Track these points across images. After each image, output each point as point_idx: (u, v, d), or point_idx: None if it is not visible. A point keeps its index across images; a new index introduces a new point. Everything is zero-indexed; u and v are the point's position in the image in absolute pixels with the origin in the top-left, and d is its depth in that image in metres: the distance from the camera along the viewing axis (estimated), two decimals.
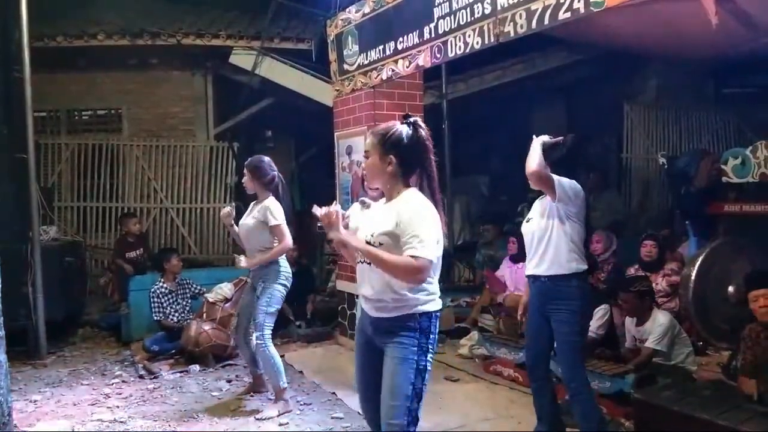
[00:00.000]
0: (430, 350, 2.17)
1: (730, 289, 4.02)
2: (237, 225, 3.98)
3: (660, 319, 3.86)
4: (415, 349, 2.13)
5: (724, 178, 3.99)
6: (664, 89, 7.42)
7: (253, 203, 3.97)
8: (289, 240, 3.78)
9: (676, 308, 4.48)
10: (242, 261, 3.85)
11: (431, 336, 2.17)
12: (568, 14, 3.10)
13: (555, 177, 2.84)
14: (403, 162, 2.19)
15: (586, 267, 2.99)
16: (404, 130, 2.20)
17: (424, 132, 2.21)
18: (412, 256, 2.03)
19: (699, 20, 4.13)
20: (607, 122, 7.53)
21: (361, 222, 2.35)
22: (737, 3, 4.43)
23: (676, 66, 7.01)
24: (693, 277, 4.03)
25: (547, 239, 2.98)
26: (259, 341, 3.75)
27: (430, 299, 2.17)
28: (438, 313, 2.21)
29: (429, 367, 2.19)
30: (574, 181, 2.93)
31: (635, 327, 3.97)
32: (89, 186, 7.43)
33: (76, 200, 7.41)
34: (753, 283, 3.25)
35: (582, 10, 3.04)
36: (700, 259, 4.09)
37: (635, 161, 7.35)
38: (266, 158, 3.96)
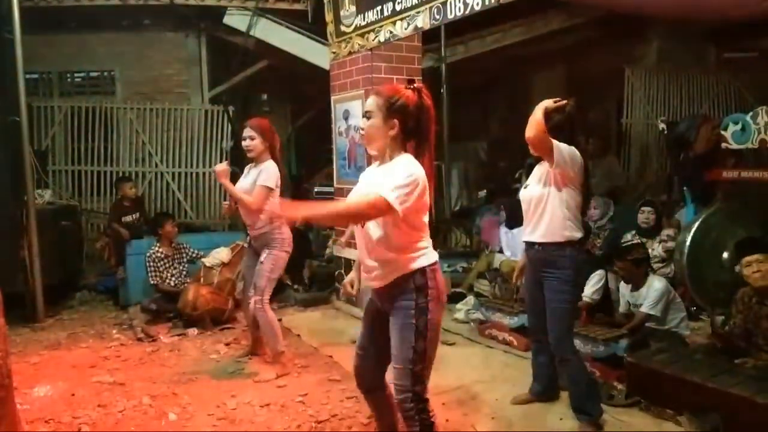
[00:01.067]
0: (431, 307, 2.17)
1: (725, 255, 4.03)
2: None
3: (655, 284, 3.89)
4: (413, 311, 2.15)
5: (723, 144, 3.96)
6: (665, 53, 7.32)
7: (250, 166, 3.93)
8: (258, 204, 3.72)
9: (671, 274, 4.51)
10: (221, 165, 3.81)
11: (429, 291, 2.17)
12: None
13: (554, 142, 2.81)
14: (406, 128, 2.17)
15: (580, 235, 2.98)
16: (411, 96, 2.18)
17: (428, 100, 2.20)
18: (377, 196, 2.03)
19: None
20: (608, 87, 7.45)
21: (357, 185, 2.35)
22: None
23: (677, 30, 6.90)
24: (688, 243, 4.03)
25: (543, 206, 2.96)
26: (258, 305, 3.78)
27: (420, 254, 2.18)
28: (433, 267, 2.21)
29: (434, 323, 2.18)
30: (573, 148, 2.89)
31: (630, 292, 4.00)
32: (83, 149, 7.36)
33: (70, 164, 7.35)
34: (745, 249, 3.27)
35: None
36: (696, 225, 4.09)
37: (635, 126, 7.30)
38: (266, 119, 3.94)
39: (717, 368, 3.13)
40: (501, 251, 5.35)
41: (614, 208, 5.14)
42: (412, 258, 2.17)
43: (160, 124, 7.48)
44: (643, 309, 3.83)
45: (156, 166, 7.49)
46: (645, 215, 4.86)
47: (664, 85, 7.39)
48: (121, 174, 7.17)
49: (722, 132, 3.96)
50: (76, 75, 7.75)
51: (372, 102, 2.21)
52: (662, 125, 4.90)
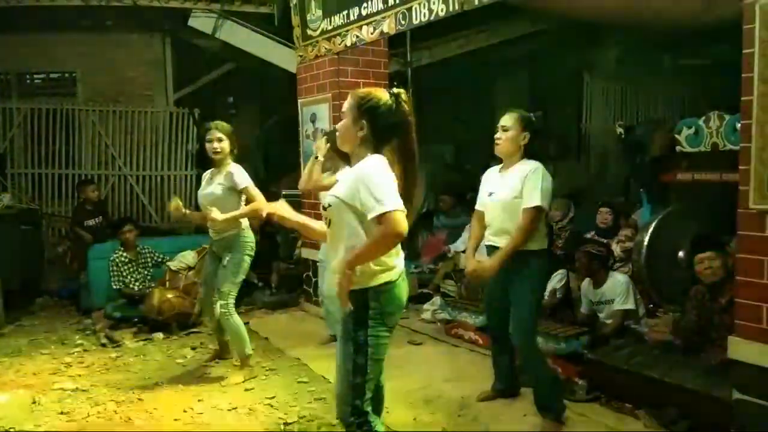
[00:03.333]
0: (372, 324, 2.10)
1: (681, 254, 4.19)
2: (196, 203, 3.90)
3: (619, 278, 4.02)
4: (351, 325, 2.11)
5: (677, 148, 4.12)
6: (622, 60, 7.54)
7: (210, 171, 3.88)
8: (263, 199, 3.62)
9: (629, 273, 4.65)
10: (214, 212, 3.63)
11: (371, 311, 2.10)
12: None
13: (542, 203, 2.90)
14: (376, 130, 2.14)
15: (545, 246, 3.06)
16: (384, 98, 2.15)
17: (405, 107, 2.16)
18: (374, 218, 1.97)
19: None
20: (568, 92, 7.63)
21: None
22: None
23: (634, 37, 7.12)
24: (646, 243, 4.18)
25: (509, 215, 3.02)
26: (223, 309, 3.75)
27: (372, 275, 2.10)
28: (387, 285, 2.12)
29: (378, 341, 2.12)
30: (549, 180, 2.97)
31: (593, 290, 4.11)
32: (44, 152, 7.17)
33: (30, 167, 7.16)
34: (698, 247, 3.40)
35: None
36: (652, 225, 4.24)
37: (594, 130, 7.49)
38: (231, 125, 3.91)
39: (674, 363, 3.26)
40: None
41: (574, 209, 5.28)
42: (374, 271, 2.09)
43: (124, 126, 7.34)
44: (618, 306, 3.94)
45: (119, 169, 7.36)
46: (603, 216, 5.00)
47: (622, 90, 7.61)
48: (83, 177, 7.02)
49: (676, 136, 4.11)
50: (35, 76, 7.55)
51: (347, 102, 2.21)
52: (620, 129, 5.04)
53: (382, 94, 2.18)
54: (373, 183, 2.00)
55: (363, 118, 2.15)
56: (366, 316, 2.11)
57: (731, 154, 3.11)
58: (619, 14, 6.01)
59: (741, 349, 2.52)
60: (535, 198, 2.91)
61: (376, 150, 2.15)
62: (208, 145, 3.78)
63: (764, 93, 2.37)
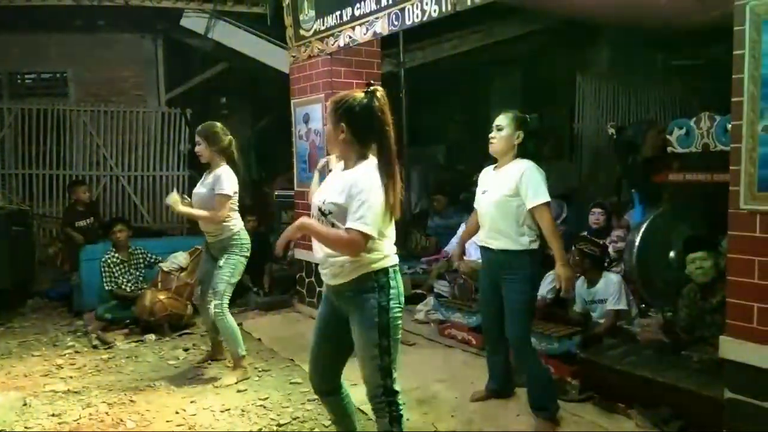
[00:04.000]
0: (392, 305, 2.23)
1: (672, 254, 4.22)
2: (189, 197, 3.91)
3: (612, 278, 4.04)
4: (376, 310, 2.20)
5: (669, 148, 4.13)
6: (615, 61, 7.57)
7: (206, 172, 3.91)
8: (219, 215, 3.69)
9: (622, 273, 4.68)
10: (173, 197, 3.72)
11: (391, 290, 2.23)
12: None
13: (546, 197, 2.95)
14: (356, 131, 2.19)
15: (537, 246, 3.07)
16: (359, 98, 2.19)
17: (379, 102, 2.18)
18: (347, 229, 2.11)
19: None
20: (560, 92, 7.66)
21: (324, 183, 2.38)
22: None
23: (626, 38, 7.16)
24: (637, 243, 4.20)
25: (501, 214, 3.05)
26: (217, 310, 3.75)
27: (383, 257, 2.23)
28: (395, 268, 2.27)
29: (396, 322, 2.25)
30: (543, 175, 3.02)
31: (586, 289, 4.13)
32: (35, 153, 7.13)
33: (21, 167, 7.12)
34: (690, 247, 3.42)
35: None
36: (644, 226, 4.26)
37: (586, 131, 7.52)
38: (218, 124, 3.90)
39: (666, 363, 3.27)
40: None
41: (568, 209, 5.30)
42: (374, 258, 2.21)
43: (115, 126, 7.31)
44: (610, 306, 3.96)
45: (111, 169, 7.32)
46: (596, 216, 5.02)
47: (614, 91, 7.65)
48: (74, 178, 6.98)
49: (668, 136, 4.13)
50: (26, 76, 7.51)
51: (327, 108, 2.29)
52: (612, 130, 5.06)
53: (357, 94, 2.22)
54: (363, 199, 2.10)
55: (341, 121, 2.20)
56: (388, 300, 2.22)
57: (722, 155, 3.13)
58: (611, 14, 6.05)
59: (732, 349, 2.53)
60: (541, 195, 2.96)
61: (361, 150, 2.22)
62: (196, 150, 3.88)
63: (754, 94, 2.38)
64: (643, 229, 4.24)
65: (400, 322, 2.28)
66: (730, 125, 2.59)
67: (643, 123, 5.50)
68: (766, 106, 2.35)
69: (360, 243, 2.11)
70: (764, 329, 2.42)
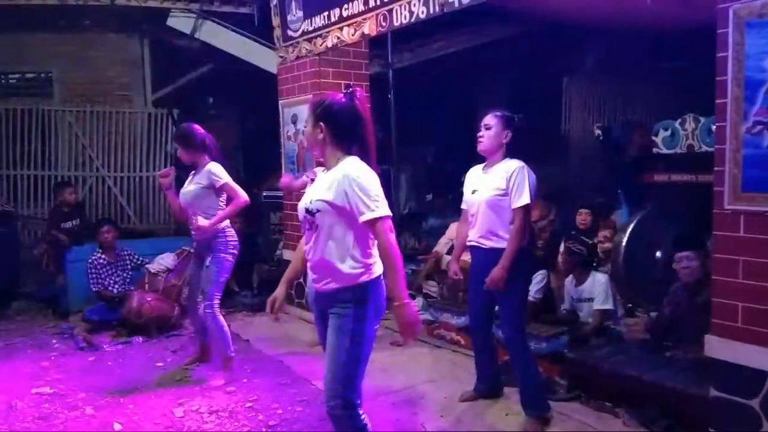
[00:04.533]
0: (368, 318, 2.19)
1: (658, 254, 4.26)
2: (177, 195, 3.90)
3: (599, 278, 4.08)
4: (350, 320, 2.16)
5: (654, 149, 4.18)
6: (601, 63, 7.64)
7: (192, 173, 3.90)
8: (243, 195, 3.74)
9: (609, 273, 4.71)
10: (200, 219, 3.68)
11: (369, 304, 2.19)
12: None
13: (527, 200, 2.98)
14: (335, 132, 2.19)
15: (526, 243, 3.09)
16: (336, 99, 2.22)
17: (358, 102, 2.21)
18: (367, 221, 2.08)
19: None
20: (548, 94, 7.70)
21: (309, 189, 2.36)
22: None
23: (613, 40, 7.22)
24: (624, 244, 4.24)
25: (492, 213, 3.07)
26: (207, 310, 3.73)
27: (361, 271, 2.18)
28: (375, 281, 2.21)
29: (370, 334, 2.20)
30: (533, 177, 3.05)
31: (574, 287, 4.17)
32: (20, 153, 7.04)
33: (5, 168, 7.02)
34: (677, 246, 3.45)
35: None
36: (630, 226, 4.30)
37: (573, 133, 7.58)
38: (192, 124, 3.91)
39: (652, 362, 3.30)
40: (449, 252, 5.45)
41: (555, 211, 5.33)
42: (354, 273, 2.17)
43: (101, 127, 7.24)
44: (597, 306, 3.99)
45: (97, 170, 7.25)
46: (582, 217, 5.06)
47: (601, 92, 7.71)
48: (59, 178, 6.91)
49: (653, 137, 4.17)
50: (11, 76, 7.42)
51: (306, 110, 2.30)
52: (598, 131, 5.12)
53: (335, 96, 2.24)
54: (360, 186, 2.08)
55: (320, 121, 2.20)
56: (364, 311, 2.18)
57: (707, 156, 3.17)
58: (596, 16, 6.10)
59: (718, 347, 2.56)
60: (524, 197, 2.98)
61: (343, 150, 2.21)
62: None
63: (738, 96, 2.42)
64: (629, 230, 4.28)
65: (374, 336, 2.23)
66: (714, 126, 2.62)
67: (629, 124, 5.55)
68: (749, 107, 2.39)
69: (387, 226, 2.09)
70: (749, 328, 2.45)
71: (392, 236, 2.10)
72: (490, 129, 3.10)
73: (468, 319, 4.16)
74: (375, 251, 2.22)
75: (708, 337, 2.61)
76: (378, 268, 2.23)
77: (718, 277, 2.57)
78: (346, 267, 2.16)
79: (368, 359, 2.23)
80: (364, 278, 2.18)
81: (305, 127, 2.27)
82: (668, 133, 4.07)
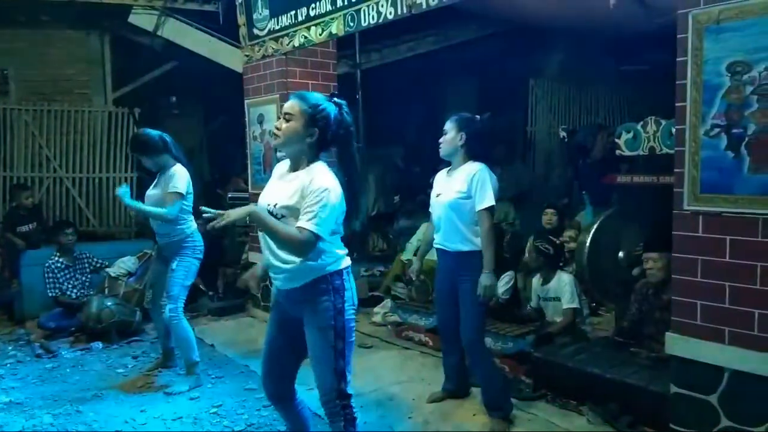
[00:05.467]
0: (347, 307, 2.23)
1: (621, 254, 4.34)
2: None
3: (564, 277, 4.13)
4: (332, 313, 2.19)
5: (617, 151, 4.24)
6: (566, 65, 7.76)
7: (159, 174, 3.80)
8: (172, 213, 3.60)
9: (573, 272, 4.79)
10: (122, 190, 3.60)
11: (346, 292, 2.22)
12: None
13: (491, 202, 2.99)
14: (323, 138, 2.19)
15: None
16: (333, 110, 2.21)
17: (348, 117, 2.24)
18: (299, 227, 2.06)
19: None
20: (515, 96, 7.79)
21: (269, 187, 2.33)
22: None
23: (577, 43, 7.35)
24: (588, 244, 4.30)
25: (455, 216, 3.08)
26: (172, 314, 3.66)
27: (336, 259, 2.22)
28: (348, 270, 2.27)
29: (351, 324, 2.25)
30: (494, 179, 3.06)
31: (540, 285, 4.22)
32: None
33: None
34: (648, 247, 3.51)
35: None
36: (594, 226, 4.36)
37: (539, 134, 7.68)
38: (145, 129, 3.82)
39: (615, 360, 3.36)
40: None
41: (521, 211, 5.38)
42: (328, 261, 2.19)
43: (59, 126, 7.01)
44: (566, 305, 4.04)
45: (54, 171, 7.02)
46: (548, 217, 5.13)
47: (565, 95, 7.83)
48: (15, 179, 6.67)
49: (616, 140, 4.25)
50: None
51: (295, 105, 2.19)
52: (563, 133, 5.20)
53: (329, 103, 2.22)
54: (317, 199, 2.07)
55: (315, 126, 2.17)
56: (342, 302, 2.20)
57: (667, 158, 3.23)
58: (561, 20, 6.19)
59: (677, 345, 2.62)
60: (488, 199, 3.00)
61: (317, 155, 2.22)
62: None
63: (696, 99, 2.48)
64: (593, 230, 4.34)
65: (353, 324, 2.28)
66: (674, 129, 2.68)
67: (593, 127, 5.65)
68: (707, 111, 2.45)
69: (311, 244, 2.07)
70: (707, 326, 2.51)
71: (300, 248, 2.07)
72: (447, 134, 3.14)
73: (436, 320, 4.19)
74: (340, 244, 2.25)
75: (668, 334, 2.66)
76: (345, 260, 2.26)
77: (678, 276, 2.63)
78: (316, 257, 2.15)
79: (351, 347, 2.26)
80: (337, 266, 2.21)
81: (288, 120, 2.19)
82: (631, 135, 4.14)
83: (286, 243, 2.09)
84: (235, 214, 2.05)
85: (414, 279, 3.47)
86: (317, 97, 2.24)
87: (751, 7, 2.30)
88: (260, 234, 2.24)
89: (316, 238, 2.07)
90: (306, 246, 2.07)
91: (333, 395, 2.22)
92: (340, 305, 2.20)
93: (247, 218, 2.12)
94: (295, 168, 2.23)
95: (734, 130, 2.38)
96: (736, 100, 2.37)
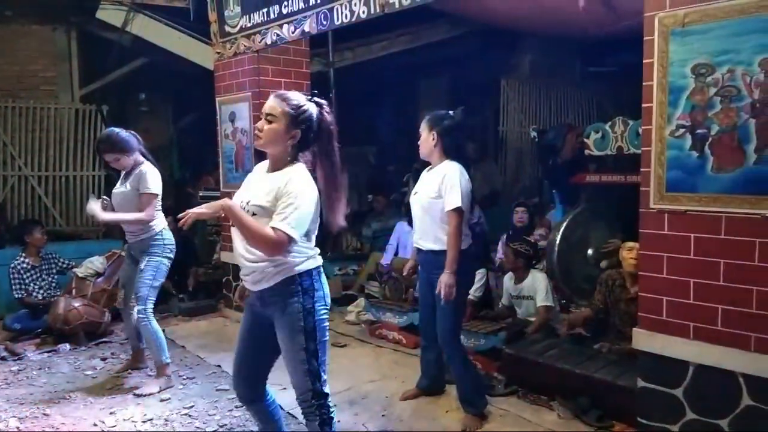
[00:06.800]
0: (318, 307, 2.21)
1: (590, 251, 4.42)
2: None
3: (538, 276, 4.20)
4: (301, 314, 2.17)
5: (586, 151, 4.33)
6: (536, 66, 7.86)
7: (125, 173, 3.73)
8: (150, 214, 3.58)
9: (544, 270, 4.86)
10: (93, 205, 3.51)
11: (316, 293, 2.20)
12: None
13: (462, 203, 2.98)
14: (305, 140, 2.18)
15: (466, 246, 3.13)
16: (315, 110, 2.20)
17: (329, 117, 2.23)
18: (273, 227, 2.05)
19: (569, 2, 4.44)
20: (486, 96, 7.87)
21: (245, 184, 2.32)
22: None
23: (547, 44, 7.45)
24: (558, 241, 4.37)
25: (426, 216, 3.11)
26: (141, 315, 3.60)
27: (306, 259, 2.20)
28: (319, 270, 2.25)
29: (323, 324, 2.23)
30: (465, 179, 3.07)
31: (513, 284, 4.27)
32: None
33: None
34: (626, 236, 3.55)
35: None
36: (564, 224, 4.44)
37: (510, 134, 7.76)
38: (112, 129, 3.73)
39: (584, 356, 3.43)
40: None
41: (493, 208, 5.43)
42: (298, 261, 2.17)
43: (24, 123, 6.83)
44: (540, 303, 4.09)
45: (19, 169, 6.84)
46: (519, 215, 5.20)
47: (536, 95, 7.94)
48: None
49: (585, 140, 4.33)
50: None
51: (277, 106, 2.17)
52: (533, 133, 5.26)
53: (311, 103, 2.21)
54: (292, 200, 2.07)
55: (298, 127, 2.16)
56: (313, 302, 2.18)
57: (634, 157, 3.31)
58: (531, 21, 6.28)
59: (644, 340, 2.68)
60: (455, 199, 2.99)
61: (296, 155, 2.20)
62: (111, 165, 3.69)
63: (662, 100, 2.54)
64: (563, 228, 4.42)
65: (326, 324, 2.26)
66: (641, 129, 2.74)
67: (562, 126, 5.72)
68: (673, 112, 2.51)
69: (283, 244, 2.06)
70: (673, 321, 2.58)
71: (273, 248, 2.06)
72: (421, 135, 3.16)
73: (410, 318, 4.22)
74: (311, 244, 2.23)
75: (635, 330, 2.72)
76: (316, 260, 2.24)
77: (645, 273, 2.69)
78: (284, 258, 2.13)
79: (325, 346, 2.25)
80: (306, 266, 2.19)
81: (270, 122, 2.16)
82: (599, 135, 4.23)
83: (257, 240, 2.07)
84: (205, 210, 2.06)
85: (405, 274, 3.49)
86: (299, 97, 2.22)
87: (714, 11, 2.37)
88: (233, 232, 2.22)
89: (289, 239, 2.06)
90: (277, 245, 2.06)
91: (308, 395, 2.22)
92: (310, 306, 2.18)
93: (222, 212, 2.11)
94: (273, 168, 2.22)
95: (698, 131, 2.45)
96: (700, 102, 2.44)
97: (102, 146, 3.67)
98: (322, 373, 2.24)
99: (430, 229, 3.10)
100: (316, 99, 2.24)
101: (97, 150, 3.74)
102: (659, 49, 2.52)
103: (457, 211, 3.00)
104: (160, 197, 3.68)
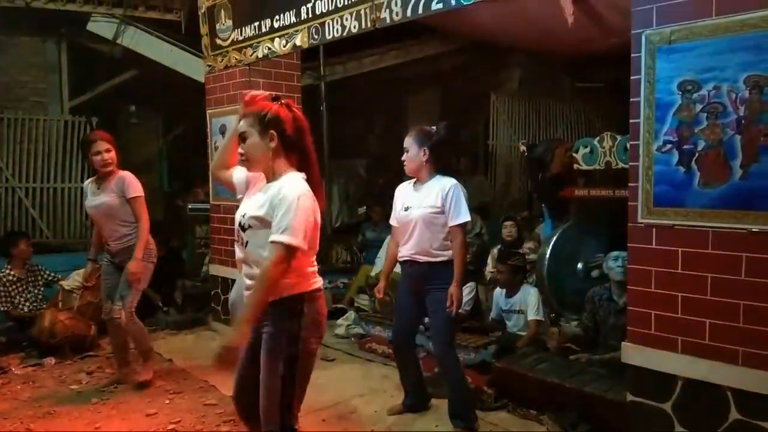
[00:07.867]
0: (305, 335, 2.09)
1: (579, 265, 4.45)
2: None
3: (531, 290, 4.21)
4: (284, 340, 2.07)
5: (575, 166, 4.37)
6: (526, 81, 7.94)
7: (93, 180, 3.76)
8: (147, 217, 3.66)
9: (533, 283, 4.87)
10: (133, 266, 3.60)
11: (303, 319, 2.09)
12: (440, 5, 3.22)
13: (466, 218, 3.06)
14: (284, 140, 2.13)
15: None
16: (279, 107, 2.16)
17: (298, 112, 2.19)
18: (270, 242, 2.00)
19: (558, 19, 4.50)
20: (476, 110, 7.93)
21: (246, 197, 2.29)
22: (591, 5, 4.86)
23: (537, 60, 7.53)
24: (547, 255, 4.40)
25: (426, 230, 3.10)
26: (127, 315, 3.67)
27: (303, 278, 2.12)
28: (314, 293, 2.14)
29: (308, 353, 2.11)
30: (466, 194, 3.13)
31: (504, 298, 4.27)
32: None
33: None
34: (618, 246, 3.54)
35: (453, 3, 3.17)
36: (553, 239, 4.47)
37: (500, 148, 7.82)
38: (96, 130, 3.89)
39: (574, 369, 3.43)
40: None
41: (482, 222, 5.45)
42: (295, 281, 2.09)
43: (12, 135, 6.79)
44: (532, 317, 4.09)
45: (7, 180, 6.78)
46: (508, 229, 5.22)
47: (525, 110, 8.01)
48: None
49: (574, 154, 4.37)
50: None
51: (244, 123, 2.15)
52: (523, 147, 5.30)
53: (275, 105, 2.17)
54: (285, 208, 2.00)
55: (270, 129, 2.12)
56: (299, 328, 2.07)
57: (623, 172, 3.34)
58: (523, 38, 6.35)
59: (633, 354, 2.69)
60: (463, 214, 3.06)
61: (287, 161, 2.15)
62: (95, 158, 3.66)
63: (649, 116, 2.57)
64: (552, 242, 4.44)
65: (314, 355, 2.14)
66: (629, 144, 2.77)
67: (551, 141, 5.78)
68: (659, 127, 2.54)
69: (285, 256, 1.98)
70: (662, 335, 2.59)
71: (280, 266, 1.98)
72: (408, 151, 3.14)
73: (392, 332, 4.19)
74: (313, 264, 2.17)
75: (624, 344, 2.73)
76: (314, 283, 2.15)
77: (633, 287, 2.70)
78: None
79: (306, 381, 2.14)
80: (295, 290, 2.08)
81: (244, 141, 2.13)
82: (588, 150, 4.27)
83: (272, 283, 2.00)
84: (240, 333, 2.02)
85: (380, 297, 3.45)
86: (259, 104, 2.19)
87: (700, 29, 2.41)
88: (237, 247, 2.20)
89: (289, 247, 1.99)
90: (279, 262, 1.98)
91: (275, 429, 2.07)
92: (296, 331, 2.07)
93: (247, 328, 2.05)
94: (268, 180, 2.17)
95: (685, 146, 2.48)
96: (686, 118, 2.47)
97: (100, 135, 3.71)
98: (294, 409, 2.11)
99: (430, 242, 3.10)
100: (280, 101, 2.19)
101: (90, 141, 3.69)
102: (646, 65, 2.56)
103: (464, 225, 3.06)
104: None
